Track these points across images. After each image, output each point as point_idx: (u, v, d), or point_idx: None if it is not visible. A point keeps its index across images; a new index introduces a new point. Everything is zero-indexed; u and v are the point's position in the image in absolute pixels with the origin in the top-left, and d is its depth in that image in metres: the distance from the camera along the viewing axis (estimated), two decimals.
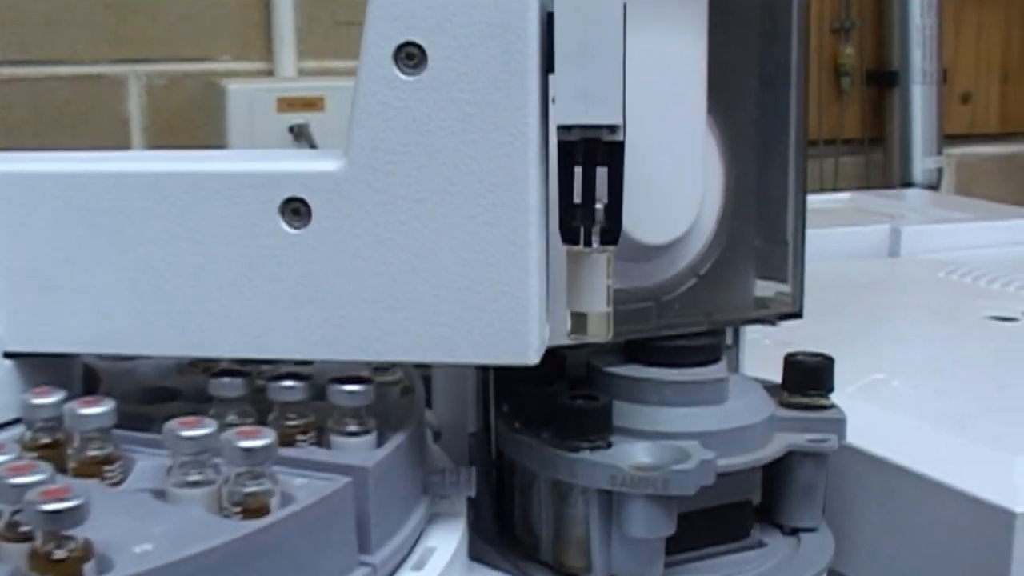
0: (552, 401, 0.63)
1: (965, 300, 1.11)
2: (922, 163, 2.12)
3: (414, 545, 0.57)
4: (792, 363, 0.70)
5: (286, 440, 0.55)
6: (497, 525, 0.69)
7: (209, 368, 0.62)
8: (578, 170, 0.54)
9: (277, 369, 0.59)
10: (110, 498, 0.50)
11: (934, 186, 2.12)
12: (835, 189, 2.03)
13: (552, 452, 0.62)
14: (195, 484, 0.50)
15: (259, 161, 0.56)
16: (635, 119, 0.54)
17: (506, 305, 0.54)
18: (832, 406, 0.70)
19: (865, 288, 1.19)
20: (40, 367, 0.60)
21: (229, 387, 0.57)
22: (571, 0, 0.52)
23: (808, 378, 0.70)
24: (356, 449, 0.55)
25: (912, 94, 2.12)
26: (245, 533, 0.45)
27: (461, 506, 0.62)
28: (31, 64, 1.73)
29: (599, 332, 0.56)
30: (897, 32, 2.13)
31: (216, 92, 1.71)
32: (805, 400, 0.69)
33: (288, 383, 0.56)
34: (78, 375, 0.64)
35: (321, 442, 0.56)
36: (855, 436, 0.70)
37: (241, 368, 0.59)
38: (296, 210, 0.55)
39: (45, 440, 0.55)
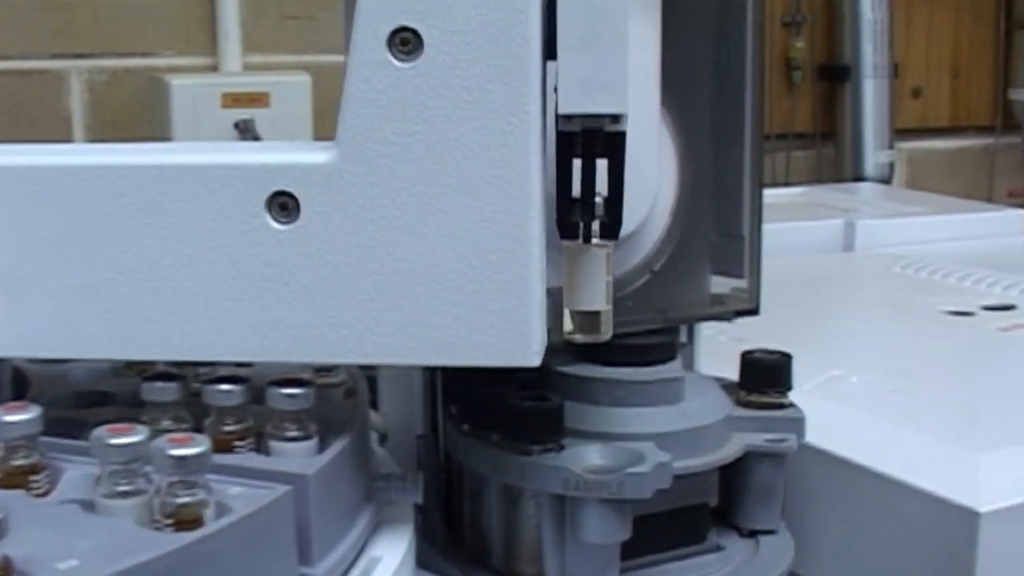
0: (502, 402, 0.61)
1: (921, 295, 1.10)
2: (874, 157, 2.12)
3: (358, 555, 0.54)
4: (749, 361, 0.69)
5: (223, 446, 0.53)
6: (446, 531, 0.67)
7: (145, 371, 0.59)
8: (577, 162, 0.52)
9: (214, 372, 0.57)
10: (35, 510, 0.47)
11: (886, 180, 2.12)
12: (786, 183, 2.03)
13: (502, 455, 0.60)
14: (125, 495, 0.47)
15: (244, 153, 0.53)
16: None
17: (506, 304, 0.51)
18: (790, 405, 0.68)
19: (820, 283, 1.18)
20: None
21: (162, 391, 0.55)
22: None
23: (766, 376, 0.68)
24: (296, 455, 0.52)
25: (863, 88, 2.12)
26: (177, 547, 0.43)
27: (408, 512, 0.59)
28: None
29: (600, 331, 0.55)
30: (848, 26, 2.13)
31: (159, 88, 1.69)
32: (763, 399, 0.68)
33: (225, 387, 0.54)
34: (6, 379, 0.61)
35: (260, 448, 0.54)
36: (814, 435, 0.69)
37: (176, 371, 0.56)
38: (284, 205, 0.52)
39: None
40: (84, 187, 0.53)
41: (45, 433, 0.51)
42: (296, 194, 0.52)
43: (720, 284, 0.70)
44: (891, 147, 2.14)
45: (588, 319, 0.55)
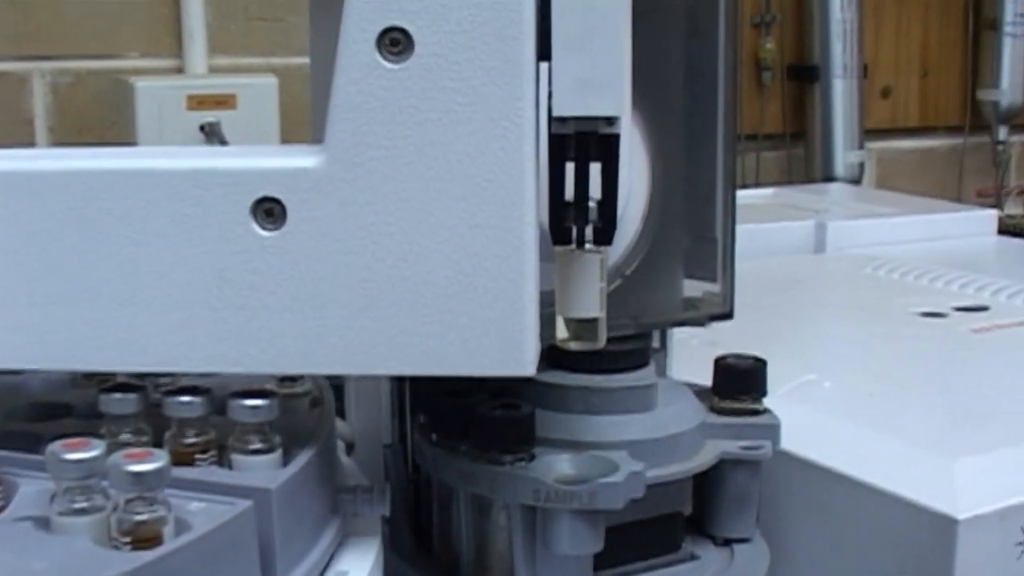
0: (471, 411, 0.60)
1: (893, 296, 1.10)
2: (844, 157, 2.12)
3: (324, 570, 0.53)
4: (723, 366, 0.67)
5: (184, 460, 0.51)
6: (415, 543, 0.66)
7: (106, 381, 0.57)
8: (570, 166, 0.50)
9: (175, 382, 0.55)
10: None
11: (856, 180, 2.12)
12: (757, 184, 2.02)
13: (471, 465, 0.59)
14: (82, 512, 0.45)
15: (229, 158, 0.51)
16: None
17: (500, 312, 0.50)
18: (765, 411, 0.67)
19: (792, 285, 1.17)
20: None
21: (121, 404, 0.53)
22: None
23: (740, 382, 0.67)
24: (259, 468, 0.51)
25: (833, 88, 2.12)
26: (134, 566, 0.41)
27: (376, 524, 0.58)
28: None
29: (596, 338, 0.54)
30: (817, 26, 2.12)
31: (124, 90, 1.67)
32: (737, 405, 0.67)
33: (186, 398, 0.52)
34: None
35: (222, 461, 0.52)
36: (789, 441, 0.68)
37: (136, 382, 0.55)
38: (270, 211, 0.50)
39: None
40: (60, 193, 0.51)
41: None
42: (283, 200, 0.50)
43: (693, 288, 0.69)
44: (861, 147, 2.14)
45: (582, 326, 0.53)
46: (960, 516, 0.63)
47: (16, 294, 0.51)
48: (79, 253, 0.51)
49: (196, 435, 0.52)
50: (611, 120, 0.50)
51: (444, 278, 0.50)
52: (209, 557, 0.44)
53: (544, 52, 0.49)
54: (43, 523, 0.46)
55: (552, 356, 0.63)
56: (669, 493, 0.63)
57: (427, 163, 0.49)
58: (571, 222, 0.51)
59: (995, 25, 2.31)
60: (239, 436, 0.52)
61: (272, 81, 1.69)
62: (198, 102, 1.66)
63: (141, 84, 1.65)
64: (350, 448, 0.68)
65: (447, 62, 0.49)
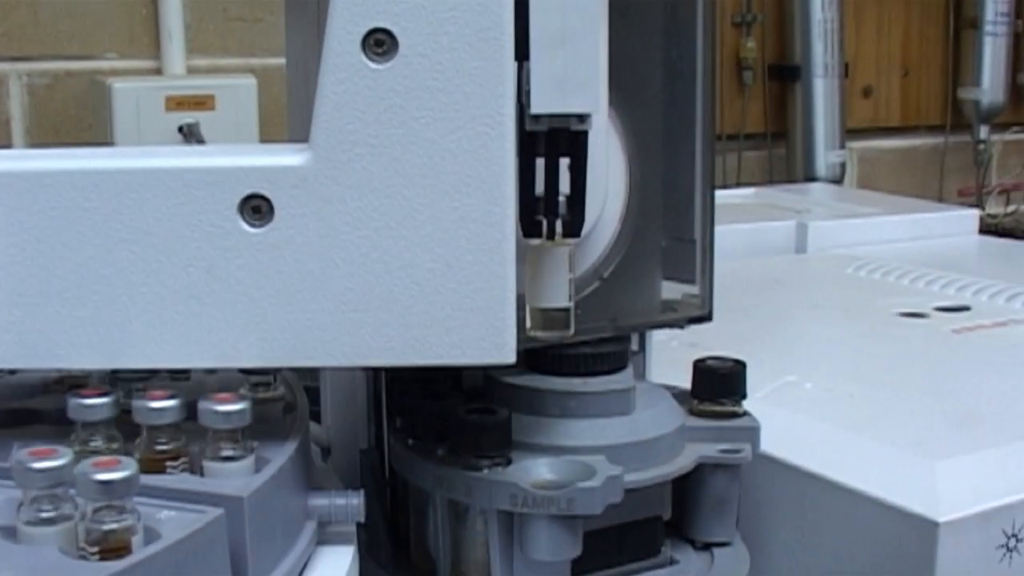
0: (447, 415, 0.59)
1: (875, 297, 1.09)
2: (825, 157, 2.11)
3: None
4: (702, 369, 0.67)
5: (155, 467, 0.50)
6: (391, 548, 0.65)
7: (75, 387, 0.56)
8: (539, 161, 0.52)
9: (146, 387, 0.54)
10: None
11: (837, 180, 2.12)
12: (738, 184, 2.02)
13: (448, 470, 0.58)
14: (49, 521, 0.45)
15: (215, 156, 0.52)
16: None
17: (483, 303, 0.51)
18: (745, 414, 0.66)
19: (773, 286, 1.16)
20: None
21: (91, 410, 0.52)
22: None
23: (719, 385, 0.66)
24: (231, 475, 0.50)
25: (814, 88, 2.11)
26: None
27: (351, 531, 0.57)
28: None
29: (562, 328, 0.55)
30: (799, 26, 2.12)
31: (101, 91, 1.65)
32: (716, 408, 0.66)
33: (156, 404, 0.51)
34: None
35: (194, 467, 0.51)
36: (769, 444, 0.67)
37: (107, 388, 0.54)
38: (257, 208, 0.51)
39: None
40: (48, 193, 0.51)
41: None
42: (269, 197, 0.51)
43: (671, 290, 0.69)
44: (842, 147, 2.14)
45: (551, 316, 0.55)
46: (941, 519, 0.63)
47: (3, 293, 0.52)
48: (66, 252, 0.51)
49: (167, 442, 0.52)
50: (582, 117, 0.51)
51: (428, 271, 0.51)
52: (179, 566, 0.44)
53: (520, 52, 0.50)
54: (10, 532, 0.45)
55: (529, 360, 0.62)
56: (648, 497, 0.63)
57: (411, 160, 0.51)
58: (541, 215, 0.53)
59: (976, 24, 2.31)
60: (211, 442, 0.51)
61: (251, 82, 1.68)
62: (176, 103, 1.65)
63: (119, 85, 1.64)
64: (326, 453, 0.67)
65: (430, 62, 0.50)
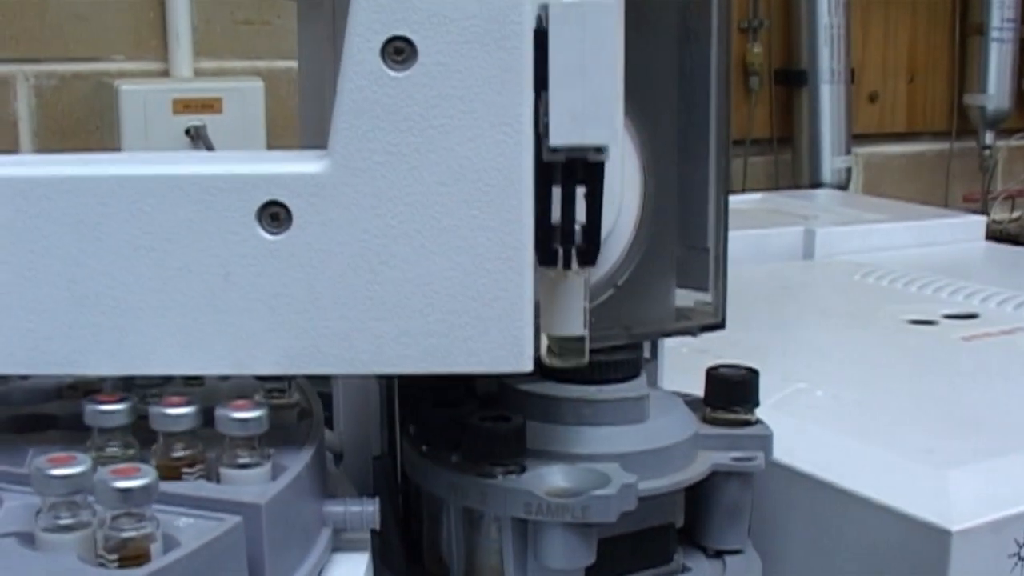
0: (461, 422, 0.59)
1: (883, 303, 1.09)
2: (831, 163, 2.11)
3: None
4: (714, 377, 0.67)
5: (171, 473, 0.50)
6: (405, 555, 0.65)
7: (91, 392, 0.56)
8: (556, 189, 0.52)
9: (162, 394, 0.54)
10: None
11: (843, 186, 2.12)
12: (744, 190, 2.01)
13: (462, 477, 0.58)
14: (67, 528, 0.45)
15: (234, 163, 0.52)
16: None
17: (501, 310, 0.51)
18: (757, 421, 0.66)
19: (782, 292, 1.16)
20: None
21: (107, 416, 0.52)
22: (567, 18, 0.50)
23: (732, 393, 0.66)
24: (248, 483, 0.50)
25: (820, 93, 2.11)
26: None
27: (365, 537, 0.57)
28: None
29: (577, 357, 0.55)
30: (805, 31, 2.12)
31: (109, 93, 1.65)
32: (729, 416, 0.66)
33: (173, 411, 0.51)
34: None
35: (211, 474, 0.51)
36: (781, 451, 0.67)
37: (123, 393, 0.54)
38: (275, 215, 0.51)
39: None
40: (65, 198, 0.51)
41: None
42: (288, 204, 0.51)
43: (685, 297, 0.69)
44: (848, 152, 2.14)
45: (567, 345, 0.55)
46: (954, 528, 0.63)
47: (21, 299, 0.52)
48: (84, 258, 0.51)
49: (184, 448, 0.51)
50: (600, 148, 0.51)
51: (446, 279, 0.51)
52: (197, 574, 0.44)
53: (539, 83, 0.50)
54: (28, 539, 0.45)
55: (543, 367, 0.62)
56: (661, 505, 0.63)
57: (429, 168, 0.50)
58: (557, 244, 0.53)
59: (982, 30, 2.31)
60: (228, 449, 0.51)
61: (258, 84, 1.68)
62: (184, 105, 1.65)
63: (126, 87, 1.64)
64: (339, 459, 0.67)
65: (449, 70, 0.50)
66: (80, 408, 0.54)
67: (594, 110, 0.50)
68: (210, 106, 1.65)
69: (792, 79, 2.15)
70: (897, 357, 0.93)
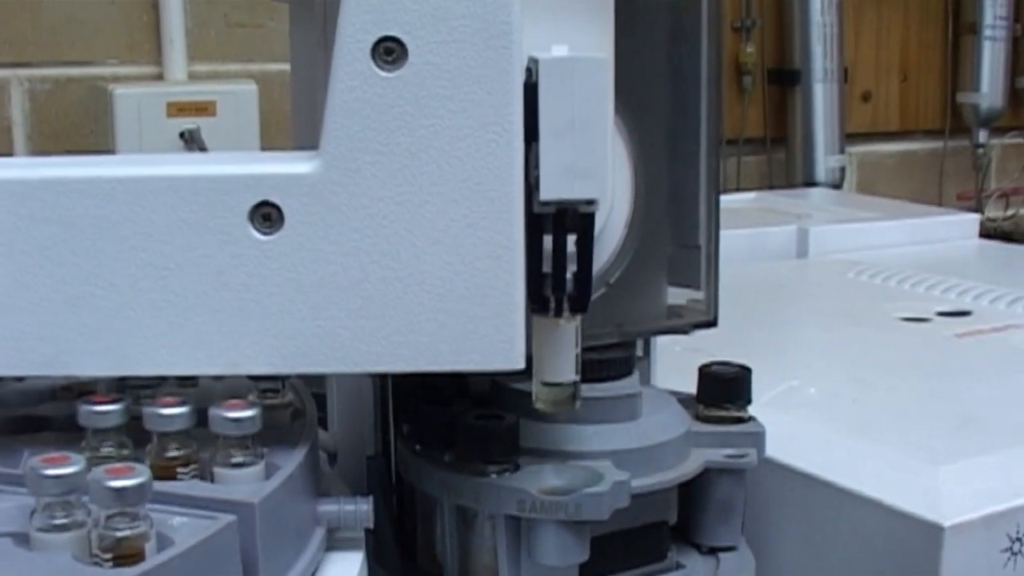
0: (454, 421, 0.59)
1: (876, 301, 1.10)
2: (825, 162, 2.11)
3: None
4: (707, 374, 0.67)
5: (165, 473, 0.50)
6: (399, 554, 0.65)
7: (85, 393, 0.57)
8: (547, 238, 0.53)
9: (155, 394, 0.54)
10: None
11: (837, 185, 2.12)
12: (738, 189, 2.02)
13: (455, 476, 0.59)
14: (62, 528, 0.45)
15: (225, 164, 0.52)
16: None
17: (492, 309, 0.52)
18: (750, 419, 0.66)
19: (775, 291, 1.17)
20: None
21: (101, 417, 0.52)
22: (557, 72, 0.51)
23: (724, 390, 0.67)
24: (242, 482, 0.50)
25: (814, 93, 2.11)
26: None
27: (359, 536, 0.57)
28: None
29: (568, 402, 0.56)
30: (798, 30, 2.12)
31: (103, 97, 1.66)
32: (722, 413, 0.66)
33: (167, 411, 0.51)
34: None
35: (205, 474, 0.52)
36: (774, 448, 0.67)
37: (116, 395, 0.54)
38: (267, 215, 0.51)
39: None
40: (58, 200, 0.51)
41: None
42: (280, 204, 0.51)
43: (677, 295, 0.69)
44: (842, 151, 2.14)
45: (558, 390, 0.56)
46: (946, 523, 0.63)
47: (14, 301, 0.52)
48: (77, 259, 0.52)
49: (178, 448, 0.52)
50: (590, 201, 0.52)
51: (437, 278, 0.51)
52: (192, 572, 0.44)
53: (529, 134, 0.51)
54: (23, 539, 0.45)
55: None
56: (654, 502, 0.63)
57: (420, 167, 0.51)
58: (548, 292, 0.54)
59: (974, 29, 2.31)
60: (221, 449, 0.51)
61: (252, 88, 1.69)
62: (178, 109, 1.65)
63: (120, 91, 1.64)
64: (333, 459, 0.68)
65: (439, 70, 0.50)
66: (74, 409, 0.54)
67: (584, 164, 0.51)
68: (204, 109, 1.66)
69: (785, 78, 2.16)
70: (890, 354, 0.93)
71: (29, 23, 1.69)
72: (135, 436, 0.53)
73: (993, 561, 0.65)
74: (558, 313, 0.54)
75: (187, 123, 1.63)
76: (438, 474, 0.59)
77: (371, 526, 0.55)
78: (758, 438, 0.65)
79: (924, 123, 2.38)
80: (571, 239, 0.54)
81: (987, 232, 1.64)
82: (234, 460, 0.51)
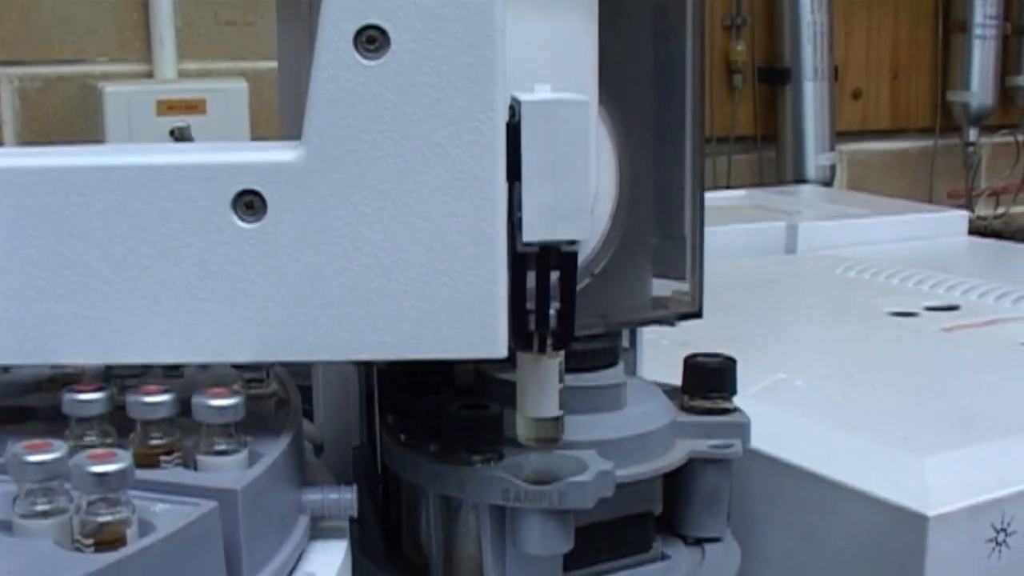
0: (439, 411, 0.59)
1: (865, 296, 1.10)
2: (815, 160, 2.11)
3: (292, 571, 0.52)
4: (692, 365, 0.67)
5: (149, 461, 0.50)
6: (384, 545, 0.65)
7: (70, 384, 0.57)
8: (530, 274, 0.53)
9: (140, 382, 0.54)
10: None
11: (827, 183, 2.12)
12: (728, 187, 2.02)
13: (440, 466, 0.59)
14: (44, 514, 0.45)
15: (208, 152, 0.52)
16: None
17: (474, 297, 0.52)
18: (735, 409, 0.67)
19: (763, 286, 1.17)
20: None
21: (85, 405, 0.52)
22: (539, 114, 0.51)
23: (710, 380, 0.67)
24: (225, 469, 0.50)
25: (804, 91, 2.11)
26: (97, 568, 0.41)
27: (344, 525, 0.57)
28: None
29: (551, 436, 0.57)
30: (788, 29, 2.12)
31: (93, 95, 1.65)
32: (707, 404, 0.66)
33: (150, 399, 0.51)
34: None
35: (188, 462, 0.51)
36: (760, 440, 0.68)
37: (101, 383, 0.54)
38: (250, 203, 0.51)
39: None
40: (40, 189, 0.51)
41: None
42: (262, 192, 0.51)
43: (662, 287, 0.69)
44: (832, 149, 2.14)
45: (541, 425, 0.56)
46: (931, 513, 0.63)
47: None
48: (60, 248, 0.52)
49: (161, 437, 0.52)
50: (572, 241, 0.53)
51: (420, 266, 0.51)
52: (174, 558, 0.44)
53: (512, 174, 0.52)
54: (5, 526, 0.45)
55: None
56: (639, 492, 0.63)
57: (403, 156, 0.51)
58: (532, 328, 0.54)
59: (965, 27, 2.31)
60: (204, 437, 0.51)
61: (242, 85, 1.68)
62: (168, 107, 1.65)
63: (110, 89, 1.64)
64: (319, 451, 0.68)
65: (422, 59, 0.50)
66: (59, 400, 0.54)
67: (566, 206, 0.52)
68: (194, 107, 1.65)
69: (775, 77, 2.15)
70: (878, 348, 0.93)
71: (19, 22, 1.68)
72: (119, 426, 0.53)
73: (978, 551, 0.65)
74: (541, 349, 0.55)
75: (177, 121, 1.63)
76: (423, 464, 0.59)
77: (355, 515, 0.55)
78: (743, 428, 0.66)
79: (914, 121, 2.38)
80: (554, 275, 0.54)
81: (977, 230, 1.64)
82: (217, 448, 0.51)
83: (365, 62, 0.50)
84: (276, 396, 0.59)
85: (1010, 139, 2.42)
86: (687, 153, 0.67)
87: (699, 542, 0.67)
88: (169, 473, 0.50)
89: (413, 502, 0.63)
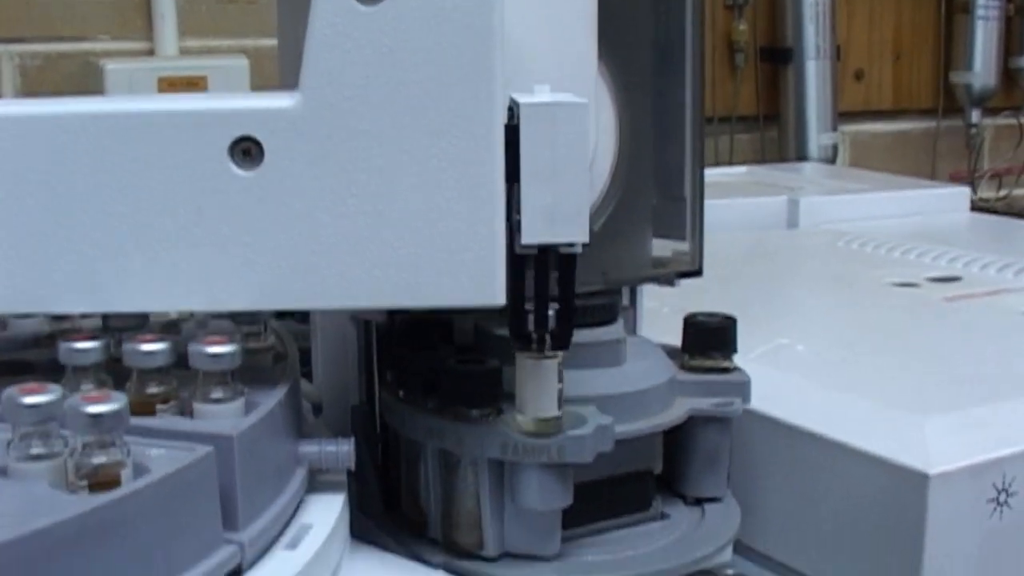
0: (438, 366, 0.59)
1: (867, 268, 1.10)
2: (817, 139, 2.11)
3: (288, 522, 0.52)
4: (692, 324, 0.67)
5: (145, 409, 0.50)
6: (383, 501, 0.65)
7: (68, 336, 0.56)
8: (529, 274, 0.53)
9: (136, 333, 0.54)
10: None
11: (829, 162, 2.12)
12: (730, 165, 2.01)
13: (438, 421, 0.58)
14: (39, 458, 0.45)
15: (205, 100, 0.52)
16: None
17: (472, 244, 0.51)
18: (735, 368, 0.66)
19: (765, 258, 1.17)
20: None
21: (81, 354, 0.52)
22: (538, 117, 0.51)
23: (710, 339, 0.66)
24: (221, 416, 0.50)
25: (806, 70, 2.11)
26: (91, 507, 0.41)
27: (341, 479, 0.57)
28: None
29: (554, 433, 0.56)
30: (791, 8, 2.12)
31: (94, 72, 1.65)
32: (707, 363, 0.66)
33: (147, 347, 0.51)
34: None
35: (184, 411, 0.51)
36: (760, 401, 0.67)
37: (97, 333, 0.54)
38: (247, 150, 0.51)
39: None
40: (36, 137, 0.51)
41: None
42: (260, 139, 0.51)
43: (662, 248, 0.69)
44: (834, 129, 2.14)
45: (540, 423, 0.56)
46: (932, 471, 0.63)
47: None
48: (55, 196, 0.51)
49: (157, 385, 0.52)
50: (572, 244, 0.53)
51: (417, 214, 0.51)
52: (168, 501, 0.44)
53: (511, 175, 0.51)
54: (1, 471, 0.45)
55: None
56: (639, 450, 0.63)
57: (401, 102, 0.50)
58: (531, 328, 0.54)
59: (967, 8, 2.31)
60: (201, 385, 0.51)
61: (243, 63, 1.68)
62: (169, 84, 1.64)
63: (111, 66, 1.64)
64: (318, 410, 0.67)
65: (420, 3, 0.50)
66: (56, 354, 0.53)
67: (565, 209, 0.51)
68: (195, 84, 1.65)
69: (778, 56, 2.15)
70: (880, 317, 0.93)
71: None
72: (116, 376, 0.53)
73: (979, 511, 0.65)
74: (540, 350, 0.55)
75: None
76: (421, 419, 0.59)
77: (352, 467, 0.55)
78: (743, 387, 0.65)
79: (917, 102, 2.38)
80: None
81: (979, 211, 1.63)
82: (213, 396, 0.50)
83: (363, 8, 0.50)
84: (274, 350, 0.59)
85: (1013, 121, 2.42)
86: (687, 112, 0.67)
87: (699, 502, 0.66)
88: (165, 420, 0.50)
89: (412, 459, 0.63)
